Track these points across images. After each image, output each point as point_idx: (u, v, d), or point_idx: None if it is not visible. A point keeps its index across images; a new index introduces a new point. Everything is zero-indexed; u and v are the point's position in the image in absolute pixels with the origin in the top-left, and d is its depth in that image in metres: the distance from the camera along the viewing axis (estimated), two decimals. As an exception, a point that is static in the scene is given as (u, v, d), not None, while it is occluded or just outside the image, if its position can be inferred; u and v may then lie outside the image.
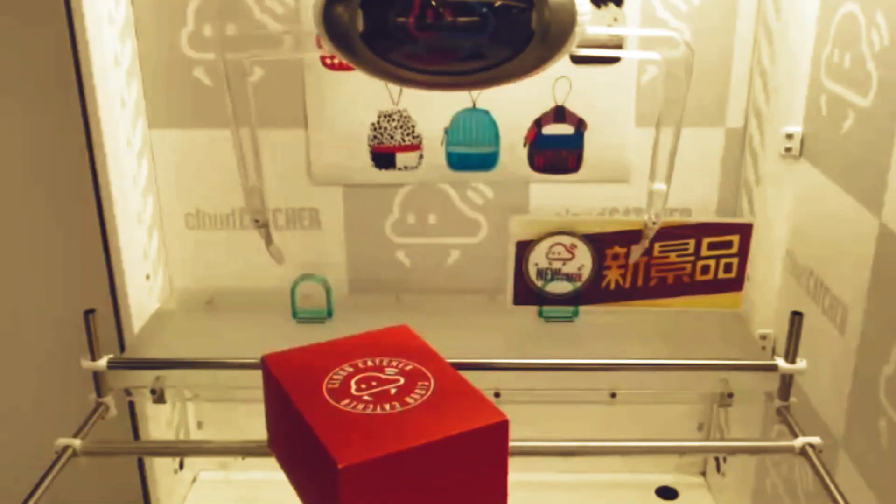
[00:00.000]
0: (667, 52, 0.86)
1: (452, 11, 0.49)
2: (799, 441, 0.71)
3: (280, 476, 0.65)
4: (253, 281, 0.93)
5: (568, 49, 0.51)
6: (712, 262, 0.85)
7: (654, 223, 0.61)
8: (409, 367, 0.63)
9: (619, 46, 0.85)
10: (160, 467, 0.94)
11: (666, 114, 0.56)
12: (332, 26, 0.51)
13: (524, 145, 0.90)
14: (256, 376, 0.66)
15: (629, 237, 0.84)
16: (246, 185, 0.62)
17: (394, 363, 0.64)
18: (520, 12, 0.49)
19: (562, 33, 0.50)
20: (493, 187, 0.92)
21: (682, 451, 0.93)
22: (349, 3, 0.49)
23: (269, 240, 0.64)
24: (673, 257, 0.84)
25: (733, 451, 0.92)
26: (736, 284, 0.86)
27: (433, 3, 0.49)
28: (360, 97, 0.88)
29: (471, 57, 0.50)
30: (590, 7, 0.52)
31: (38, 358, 1.01)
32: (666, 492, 1.03)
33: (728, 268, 0.85)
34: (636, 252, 0.65)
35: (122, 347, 0.88)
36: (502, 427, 0.58)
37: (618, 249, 0.85)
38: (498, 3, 0.49)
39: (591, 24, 0.85)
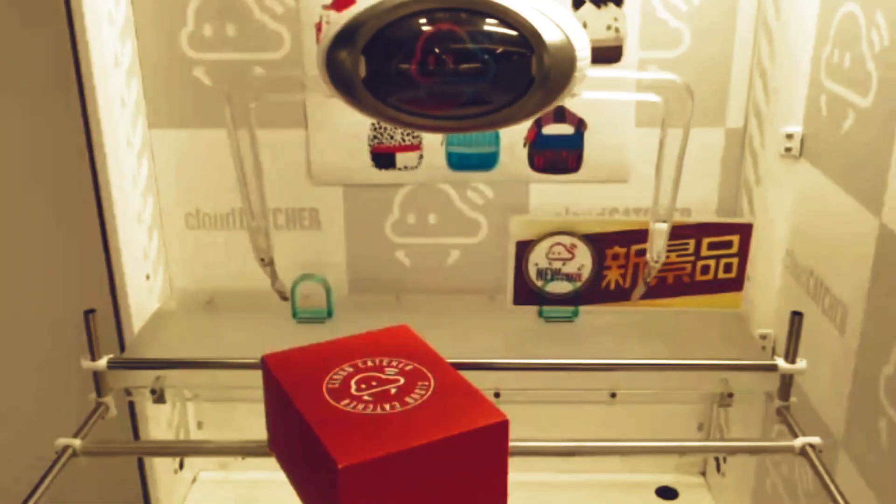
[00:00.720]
0: (668, 53, 0.86)
1: (454, 58, 0.49)
2: (799, 441, 0.71)
3: (280, 476, 0.65)
4: (253, 281, 0.92)
5: (568, 93, 0.52)
6: (712, 262, 0.85)
7: (656, 262, 0.62)
8: (409, 367, 0.63)
9: (617, 49, 0.85)
10: (160, 467, 0.94)
11: (666, 153, 0.57)
12: (335, 71, 0.51)
13: (524, 145, 0.90)
14: (256, 376, 0.66)
15: (629, 237, 0.84)
16: (251, 224, 0.62)
17: (394, 363, 0.64)
18: (520, 59, 0.49)
19: (562, 78, 0.50)
20: (493, 187, 0.92)
21: (682, 451, 0.93)
22: (352, 49, 0.50)
23: (274, 277, 0.65)
24: (673, 257, 0.84)
25: (733, 451, 0.92)
26: (736, 284, 0.86)
27: (435, 50, 0.49)
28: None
29: (472, 102, 0.51)
30: (589, 52, 0.52)
31: (38, 358, 1.01)
32: (666, 492, 1.03)
33: (728, 268, 0.85)
34: (637, 293, 0.66)
35: (122, 347, 0.88)
36: (502, 427, 0.58)
37: (618, 249, 0.85)
38: (499, 51, 0.49)
39: (591, 26, 0.85)
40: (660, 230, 0.61)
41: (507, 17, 0.49)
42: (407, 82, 0.50)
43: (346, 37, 0.50)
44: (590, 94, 0.53)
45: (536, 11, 0.49)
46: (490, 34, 0.49)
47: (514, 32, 0.49)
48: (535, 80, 0.49)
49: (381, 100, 0.51)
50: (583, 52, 0.51)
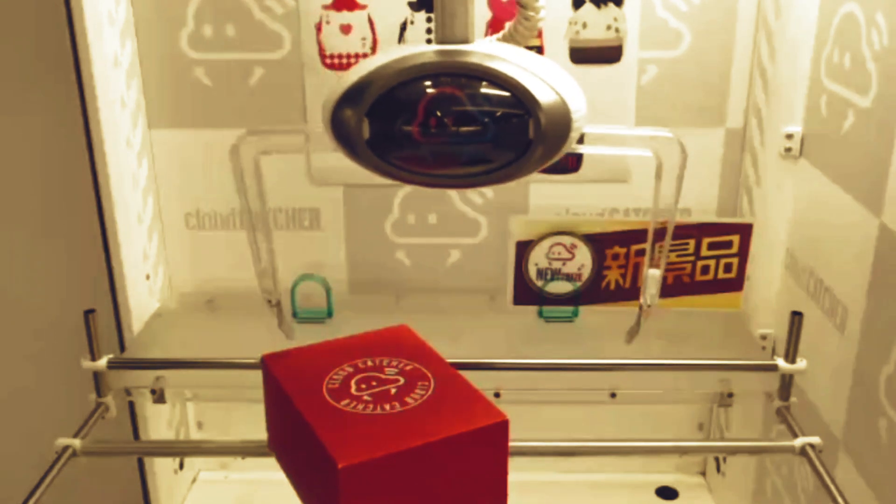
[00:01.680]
0: (668, 53, 0.86)
1: (454, 121, 0.51)
2: (799, 441, 0.71)
3: (280, 476, 0.65)
4: (253, 281, 0.92)
5: (567, 148, 0.53)
6: (712, 262, 0.85)
7: (649, 306, 0.64)
8: (409, 367, 0.63)
9: (617, 49, 0.85)
10: (160, 467, 0.94)
11: (658, 207, 0.59)
12: (339, 130, 0.53)
13: (524, 145, 0.89)
14: (256, 376, 0.66)
15: (629, 237, 0.84)
16: (258, 267, 0.64)
17: (394, 363, 0.64)
18: (517, 120, 0.51)
19: (559, 137, 0.52)
20: (493, 187, 0.92)
21: (682, 451, 0.93)
22: (356, 109, 0.51)
23: (280, 318, 0.66)
24: (673, 257, 0.84)
25: (733, 451, 0.92)
26: (736, 284, 0.86)
27: (437, 112, 0.50)
28: (360, 97, 0.88)
29: (472, 162, 0.53)
30: (585, 106, 0.53)
31: (38, 358, 1.01)
32: (666, 492, 1.03)
33: (728, 268, 0.85)
34: (630, 336, 0.67)
35: (122, 347, 0.88)
36: (502, 427, 0.58)
37: (618, 249, 0.85)
38: (498, 113, 0.51)
39: (591, 26, 0.85)
40: (653, 276, 0.62)
41: (503, 81, 0.50)
42: (409, 143, 0.51)
43: (351, 97, 0.52)
44: (587, 149, 0.55)
45: (532, 75, 0.51)
46: (488, 97, 0.51)
47: (511, 95, 0.50)
48: (533, 141, 0.51)
49: (383, 159, 0.53)
50: (578, 113, 0.53)
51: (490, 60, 0.51)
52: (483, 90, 0.51)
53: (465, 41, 0.53)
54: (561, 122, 0.52)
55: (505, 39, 0.56)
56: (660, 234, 0.60)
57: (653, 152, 0.56)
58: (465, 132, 0.51)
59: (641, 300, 0.63)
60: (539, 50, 0.86)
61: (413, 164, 0.53)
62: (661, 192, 0.59)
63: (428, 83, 0.51)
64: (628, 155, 0.90)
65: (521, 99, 0.50)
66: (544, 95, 0.51)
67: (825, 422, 0.76)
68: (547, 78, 0.51)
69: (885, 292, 0.67)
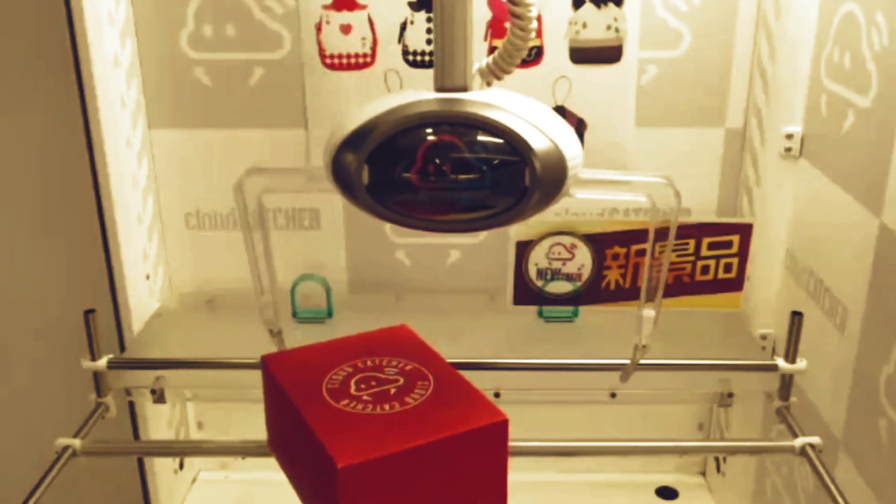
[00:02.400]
0: (668, 53, 0.86)
1: (452, 168, 0.52)
2: (799, 441, 0.71)
3: (280, 476, 0.65)
4: (253, 281, 0.93)
5: (564, 194, 0.54)
6: (712, 262, 0.85)
7: (644, 346, 0.64)
8: (409, 367, 0.63)
9: (617, 49, 0.85)
10: (160, 467, 0.94)
11: (653, 247, 0.60)
12: (340, 174, 0.54)
13: (524, 145, 0.89)
14: (256, 376, 0.66)
15: (629, 237, 0.84)
16: (260, 299, 0.65)
17: (394, 363, 0.64)
18: (514, 167, 0.52)
19: (555, 183, 0.53)
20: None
21: (682, 451, 0.93)
22: (357, 155, 0.52)
23: (281, 347, 0.67)
24: (673, 257, 0.84)
25: (733, 451, 0.92)
26: (736, 284, 0.86)
27: (435, 160, 0.51)
28: (360, 97, 0.88)
29: (470, 208, 0.54)
30: (580, 151, 0.54)
31: (38, 358, 1.01)
32: (666, 492, 1.03)
33: (728, 268, 0.85)
34: (627, 374, 0.68)
35: (122, 347, 0.88)
36: (502, 427, 0.58)
37: (618, 249, 0.85)
38: (495, 161, 0.52)
39: (591, 26, 0.85)
40: (647, 317, 0.63)
41: (498, 130, 0.52)
42: (407, 189, 0.53)
43: (351, 143, 0.53)
44: (583, 193, 0.56)
45: (527, 123, 0.52)
46: (485, 145, 0.52)
47: (507, 143, 0.52)
48: (529, 188, 0.52)
49: (382, 205, 0.54)
50: (574, 161, 0.54)
51: (486, 109, 0.52)
52: (480, 138, 0.52)
53: (464, 88, 0.54)
54: (556, 169, 0.53)
55: (503, 51, 0.56)
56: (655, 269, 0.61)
57: (647, 198, 0.58)
58: (462, 179, 0.52)
59: (636, 340, 0.64)
60: (539, 50, 0.86)
61: (411, 210, 0.54)
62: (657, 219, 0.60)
63: (426, 131, 0.52)
64: (628, 154, 0.90)
65: (516, 147, 0.52)
66: (539, 143, 0.52)
67: (825, 422, 0.76)
68: (542, 126, 0.52)
69: (885, 292, 0.67)
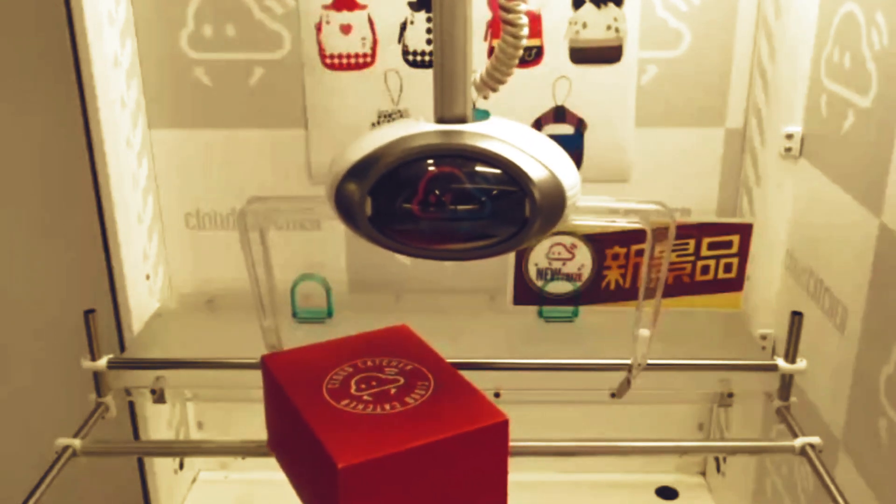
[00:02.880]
0: (668, 53, 0.86)
1: (453, 199, 0.53)
2: (799, 441, 0.71)
3: (280, 476, 0.65)
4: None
5: (564, 222, 0.55)
6: (712, 262, 0.85)
7: (640, 365, 0.65)
8: (409, 367, 0.63)
9: (617, 49, 0.85)
10: (160, 467, 0.94)
11: (650, 271, 0.61)
12: (342, 204, 0.55)
13: (524, 145, 0.89)
14: (256, 376, 0.66)
15: (629, 237, 0.84)
16: (263, 323, 0.66)
17: (394, 363, 0.64)
18: (514, 197, 0.53)
19: (554, 211, 0.54)
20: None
21: (682, 451, 0.93)
22: (360, 187, 0.54)
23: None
24: (673, 257, 0.84)
25: (733, 451, 0.92)
26: (736, 284, 0.86)
27: (436, 191, 0.53)
28: (360, 97, 0.88)
29: (471, 238, 0.55)
30: (578, 179, 0.55)
31: (38, 358, 1.01)
32: (666, 492, 1.03)
33: (728, 268, 0.85)
34: (621, 392, 0.69)
35: (122, 347, 0.88)
36: (502, 427, 0.58)
37: (618, 249, 0.85)
38: (495, 192, 0.53)
39: (591, 26, 0.85)
40: (643, 336, 0.64)
41: (497, 162, 0.53)
42: (409, 220, 0.54)
43: (354, 174, 0.54)
44: (582, 220, 0.58)
45: (524, 154, 0.53)
46: (485, 176, 0.53)
47: (506, 174, 0.53)
48: (529, 217, 0.54)
49: (385, 234, 0.55)
50: (572, 190, 0.55)
51: (485, 141, 0.53)
52: (479, 169, 0.53)
53: (463, 119, 0.55)
54: (555, 198, 0.54)
55: (496, 61, 0.57)
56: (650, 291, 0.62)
57: (643, 224, 0.58)
58: (463, 210, 0.53)
59: (632, 360, 0.65)
60: (539, 50, 0.86)
61: (413, 240, 0.55)
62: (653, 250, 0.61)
63: (427, 163, 0.53)
64: (628, 155, 0.90)
65: (515, 177, 0.53)
66: (538, 173, 0.53)
67: (825, 422, 0.76)
68: (540, 156, 0.53)
69: (885, 292, 0.67)
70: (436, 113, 0.55)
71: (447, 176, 0.53)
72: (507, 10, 0.54)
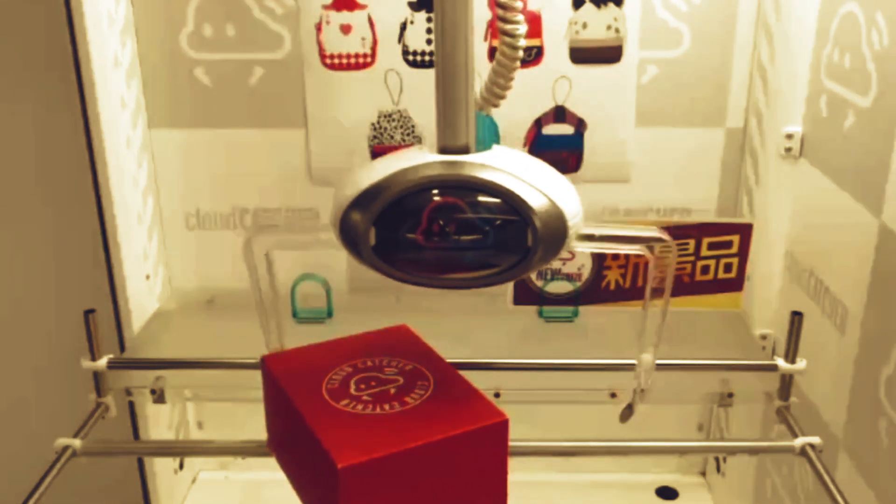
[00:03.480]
0: (668, 53, 0.86)
1: (456, 229, 0.54)
2: (799, 441, 0.71)
3: (280, 476, 0.65)
4: (253, 281, 0.93)
5: (566, 248, 0.56)
6: (712, 262, 0.85)
7: (643, 390, 0.66)
8: (409, 367, 0.63)
9: (617, 49, 0.85)
10: (160, 467, 0.94)
11: (652, 292, 0.62)
12: (347, 234, 0.56)
13: (524, 145, 0.89)
14: (256, 376, 0.66)
15: (629, 237, 0.84)
16: (270, 346, 0.67)
17: (394, 363, 0.64)
18: (515, 227, 0.54)
19: (556, 240, 0.55)
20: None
21: (682, 451, 0.93)
22: (364, 217, 0.54)
23: None
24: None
25: (733, 451, 0.92)
26: (736, 284, 0.86)
27: (440, 221, 0.53)
28: (360, 97, 0.88)
29: (474, 267, 0.56)
30: (580, 208, 0.56)
31: (38, 358, 1.01)
32: (666, 492, 1.03)
33: (728, 268, 0.85)
34: (625, 417, 0.69)
35: (122, 347, 0.88)
36: (502, 427, 0.58)
37: (618, 249, 0.85)
38: (497, 221, 0.54)
39: (591, 26, 0.85)
40: (647, 361, 0.65)
41: (499, 192, 0.54)
42: (413, 250, 0.55)
43: (358, 205, 0.55)
44: (584, 247, 0.58)
45: (526, 184, 0.54)
46: (487, 206, 0.54)
47: (508, 205, 0.54)
48: (531, 246, 0.54)
49: (389, 264, 0.56)
50: (574, 219, 0.56)
51: (486, 171, 0.54)
52: (481, 199, 0.54)
53: (466, 149, 0.56)
54: (557, 228, 0.54)
55: (494, 75, 0.57)
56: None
57: (644, 251, 0.59)
58: (466, 240, 0.54)
59: (636, 384, 0.66)
60: (539, 50, 0.86)
61: (417, 269, 0.56)
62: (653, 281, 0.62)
63: (430, 193, 0.54)
64: (628, 155, 0.90)
65: (517, 208, 0.53)
66: (539, 203, 0.54)
67: (825, 422, 0.76)
68: (542, 186, 0.54)
69: (885, 292, 0.67)
70: (438, 142, 0.56)
71: (450, 206, 0.54)
72: (505, 21, 0.54)
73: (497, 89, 0.57)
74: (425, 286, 0.58)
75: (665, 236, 0.58)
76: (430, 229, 0.54)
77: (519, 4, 0.54)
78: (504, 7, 0.54)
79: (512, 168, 0.55)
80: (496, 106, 0.58)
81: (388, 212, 0.54)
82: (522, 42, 0.55)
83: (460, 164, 0.55)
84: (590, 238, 0.58)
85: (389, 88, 0.87)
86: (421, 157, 0.55)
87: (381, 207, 0.54)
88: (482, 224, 0.54)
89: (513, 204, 0.53)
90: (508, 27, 0.54)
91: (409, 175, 0.54)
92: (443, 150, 0.56)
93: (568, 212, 0.55)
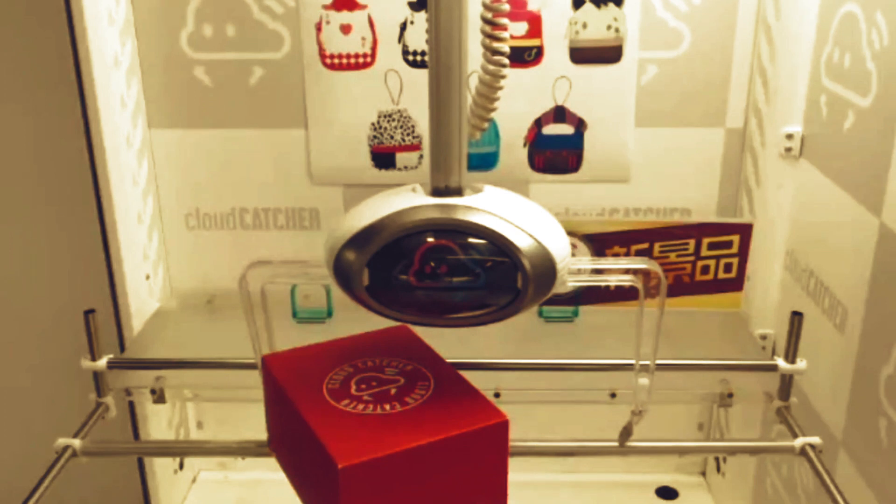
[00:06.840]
0: (668, 53, 0.86)
1: (448, 270, 0.55)
2: (799, 441, 0.71)
3: (280, 476, 0.65)
4: (254, 282, 0.93)
5: (557, 289, 0.58)
6: (712, 262, 0.85)
7: (640, 412, 0.67)
8: (409, 367, 0.63)
9: (617, 49, 0.85)
10: (160, 467, 0.94)
11: (644, 323, 0.64)
12: (341, 273, 0.57)
13: (524, 145, 0.90)
14: (256, 376, 0.66)
15: (629, 237, 0.84)
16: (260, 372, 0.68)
17: (394, 363, 0.64)
18: (505, 269, 0.55)
19: (546, 280, 0.56)
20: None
21: (682, 451, 0.93)
22: (358, 258, 0.56)
23: None
24: (673, 257, 0.84)
25: (733, 451, 0.92)
26: (736, 284, 0.86)
27: (432, 263, 0.55)
28: (360, 97, 0.88)
29: (465, 307, 0.57)
30: (567, 247, 0.58)
31: (38, 358, 1.01)
32: (666, 492, 1.03)
33: (728, 268, 0.85)
34: (623, 438, 0.70)
35: (122, 347, 0.88)
36: (502, 427, 0.58)
37: (618, 249, 0.85)
38: (488, 263, 0.55)
39: (591, 26, 0.85)
40: (643, 384, 0.66)
41: (489, 236, 0.55)
42: (405, 290, 0.56)
43: (352, 246, 0.56)
44: (575, 281, 0.60)
45: (514, 227, 0.55)
46: (478, 248, 0.55)
47: (497, 247, 0.55)
48: (521, 287, 0.56)
49: (381, 303, 0.57)
50: (563, 262, 0.57)
51: (476, 215, 0.56)
52: (472, 241, 0.55)
53: (458, 191, 0.58)
54: (546, 268, 0.56)
55: (477, 93, 0.58)
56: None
57: (634, 282, 0.60)
58: (457, 281, 0.55)
59: (633, 407, 0.67)
60: (539, 50, 0.86)
61: (409, 309, 0.57)
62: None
63: (423, 236, 0.55)
64: (628, 155, 0.90)
65: (504, 249, 0.55)
66: (527, 245, 0.55)
67: (825, 422, 0.76)
68: (529, 227, 0.56)
69: (885, 292, 0.67)
70: (432, 183, 0.58)
71: (442, 248, 0.55)
72: (492, 38, 0.55)
73: (481, 111, 0.59)
74: (418, 324, 0.59)
75: (655, 267, 0.60)
76: (423, 270, 0.55)
77: (505, 21, 0.55)
78: (492, 24, 0.54)
79: (502, 211, 0.56)
80: (483, 129, 0.60)
81: (381, 253, 0.55)
82: (507, 62, 0.56)
83: (452, 207, 0.56)
84: (581, 273, 0.59)
85: (389, 88, 0.87)
86: (414, 200, 0.57)
87: (375, 249, 0.55)
88: (473, 266, 0.55)
89: (502, 247, 0.55)
90: (496, 44, 0.55)
91: (403, 217, 0.56)
92: (435, 192, 0.58)
93: (556, 253, 0.56)
